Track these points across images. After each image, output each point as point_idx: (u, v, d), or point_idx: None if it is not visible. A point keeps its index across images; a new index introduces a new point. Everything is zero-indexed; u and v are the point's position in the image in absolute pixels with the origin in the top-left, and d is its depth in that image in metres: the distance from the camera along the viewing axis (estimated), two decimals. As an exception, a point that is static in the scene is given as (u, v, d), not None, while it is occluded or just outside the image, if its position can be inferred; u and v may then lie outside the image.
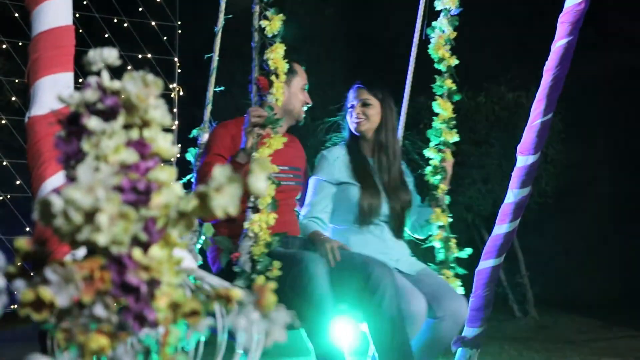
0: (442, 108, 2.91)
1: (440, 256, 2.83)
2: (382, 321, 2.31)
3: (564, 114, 7.00)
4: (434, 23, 2.97)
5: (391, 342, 2.30)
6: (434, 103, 2.91)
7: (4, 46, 6.11)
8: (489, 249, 2.99)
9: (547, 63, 3.09)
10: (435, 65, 2.95)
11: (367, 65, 7.97)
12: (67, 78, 2.14)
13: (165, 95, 6.32)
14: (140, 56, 6.55)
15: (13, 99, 6.24)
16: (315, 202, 2.76)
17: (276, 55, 2.46)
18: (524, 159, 3.13)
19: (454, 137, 2.90)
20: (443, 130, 2.88)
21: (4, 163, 5.83)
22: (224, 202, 0.84)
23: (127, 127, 0.90)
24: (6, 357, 4.29)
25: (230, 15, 2.70)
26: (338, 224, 2.79)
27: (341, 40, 8.42)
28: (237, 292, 0.90)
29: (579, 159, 8.38)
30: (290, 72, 2.65)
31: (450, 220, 2.89)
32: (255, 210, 2.35)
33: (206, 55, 2.74)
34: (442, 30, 2.95)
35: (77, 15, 5.61)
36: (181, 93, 6.77)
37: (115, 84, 0.91)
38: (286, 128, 2.83)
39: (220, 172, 0.85)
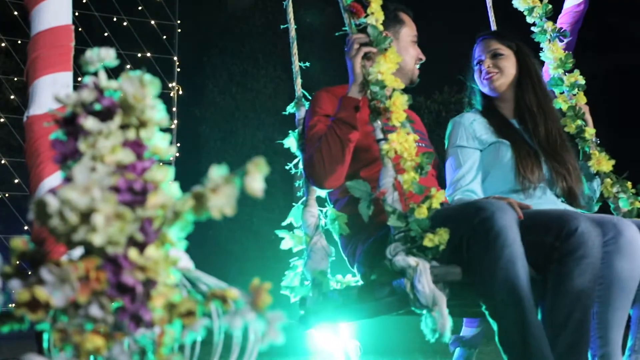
0: (552, 51, 2.57)
1: (624, 204, 2.32)
2: (569, 290, 1.73)
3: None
4: None
5: (569, 316, 1.75)
6: (541, 53, 2.58)
7: (3, 44, 6.12)
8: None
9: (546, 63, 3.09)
10: (527, 19, 2.67)
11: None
12: (66, 77, 2.13)
13: (165, 95, 6.33)
14: (139, 55, 6.56)
15: (12, 97, 6.25)
16: (461, 174, 2.21)
17: None
18: (523, 159, 3.12)
19: (580, 79, 2.52)
20: (564, 77, 2.55)
21: (3, 161, 5.85)
22: (221, 202, 0.84)
23: (123, 127, 0.90)
24: (3, 355, 4.29)
25: None
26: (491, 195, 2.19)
27: (341, 38, 8.44)
28: (234, 292, 0.90)
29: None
30: (397, 22, 2.21)
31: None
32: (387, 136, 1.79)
33: (282, 26, 2.48)
34: None
35: (77, 14, 5.61)
36: (180, 92, 6.78)
37: (112, 84, 0.91)
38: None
39: (216, 172, 0.85)
